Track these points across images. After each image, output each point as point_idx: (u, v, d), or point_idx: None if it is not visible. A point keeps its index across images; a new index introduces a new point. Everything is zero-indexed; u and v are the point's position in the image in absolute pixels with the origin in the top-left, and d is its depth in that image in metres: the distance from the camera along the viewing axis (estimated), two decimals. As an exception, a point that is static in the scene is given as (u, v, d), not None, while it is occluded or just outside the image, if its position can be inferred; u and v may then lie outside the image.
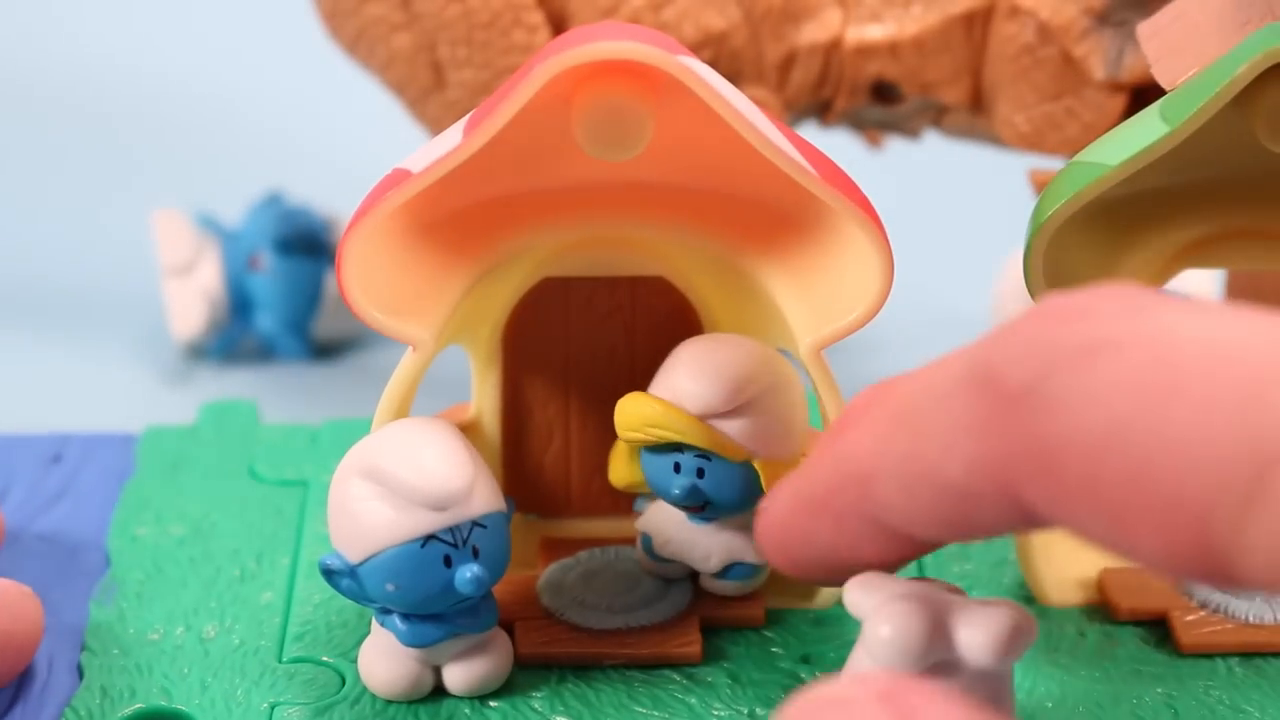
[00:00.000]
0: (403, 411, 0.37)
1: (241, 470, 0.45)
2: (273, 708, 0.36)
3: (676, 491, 0.37)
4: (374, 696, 0.37)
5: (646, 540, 0.39)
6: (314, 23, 0.51)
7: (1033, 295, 0.37)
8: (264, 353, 0.58)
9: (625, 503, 0.41)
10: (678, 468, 0.37)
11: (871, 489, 0.29)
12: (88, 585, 0.40)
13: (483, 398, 0.41)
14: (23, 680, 0.37)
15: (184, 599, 0.40)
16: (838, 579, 0.32)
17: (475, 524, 0.35)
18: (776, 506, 0.32)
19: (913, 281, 0.45)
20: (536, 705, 0.36)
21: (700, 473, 0.37)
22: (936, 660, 0.31)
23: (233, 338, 0.57)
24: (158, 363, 0.58)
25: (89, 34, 0.77)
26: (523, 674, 0.37)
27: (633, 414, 0.37)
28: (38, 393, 0.56)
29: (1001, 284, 0.57)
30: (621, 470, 0.39)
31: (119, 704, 0.37)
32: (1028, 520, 0.27)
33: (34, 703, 0.37)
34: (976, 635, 0.31)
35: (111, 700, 0.37)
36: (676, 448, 0.37)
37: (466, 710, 0.36)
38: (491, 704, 0.37)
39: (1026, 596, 0.40)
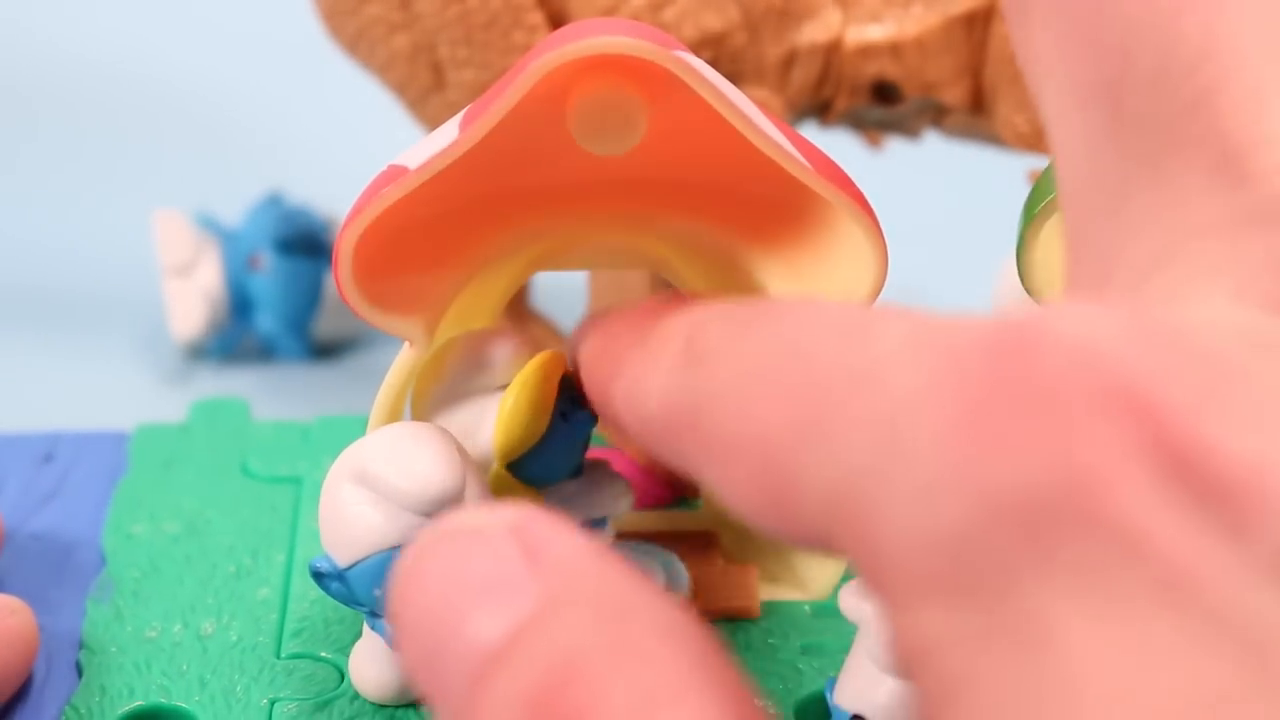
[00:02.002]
0: (399, 407, 0.37)
1: (234, 467, 0.45)
2: (272, 704, 0.37)
3: None
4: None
5: None
6: (314, 23, 0.51)
7: (1026, 287, 0.37)
8: (264, 353, 0.58)
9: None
10: None
11: (610, 388, 0.30)
12: (84, 584, 0.40)
13: (480, 395, 0.41)
14: (23, 683, 0.37)
15: (181, 596, 0.40)
16: None
17: None
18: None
19: (912, 281, 0.45)
20: (534, 702, 0.36)
21: None
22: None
23: (233, 338, 0.57)
24: (158, 363, 0.58)
25: (89, 34, 0.77)
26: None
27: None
28: (37, 394, 0.56)
29: (1002, 283, 0.57)
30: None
31: (118, 702, 0.37)
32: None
33: (34, 702, 0.37)
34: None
35: (111, 698, 0.37)
36: None
37: (464, 707, 0.36)
38: (489, 700, 0.37)
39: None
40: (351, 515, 0.35)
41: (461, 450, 0.36)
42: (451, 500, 0.34)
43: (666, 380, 0.27)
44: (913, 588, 0.21)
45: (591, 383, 0.32)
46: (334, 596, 0.35)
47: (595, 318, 0.33)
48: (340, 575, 0.35)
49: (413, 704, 0.36)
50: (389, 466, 0.35)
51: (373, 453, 0.35)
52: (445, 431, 0.36)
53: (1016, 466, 0.20)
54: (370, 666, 0.36)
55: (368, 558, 0.34)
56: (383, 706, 0.36)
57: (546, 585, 0.23)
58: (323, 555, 0.35)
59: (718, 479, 0.25)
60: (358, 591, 0.35)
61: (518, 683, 0.22)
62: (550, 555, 0.23)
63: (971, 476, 0.21)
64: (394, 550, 0.34)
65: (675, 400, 0.27)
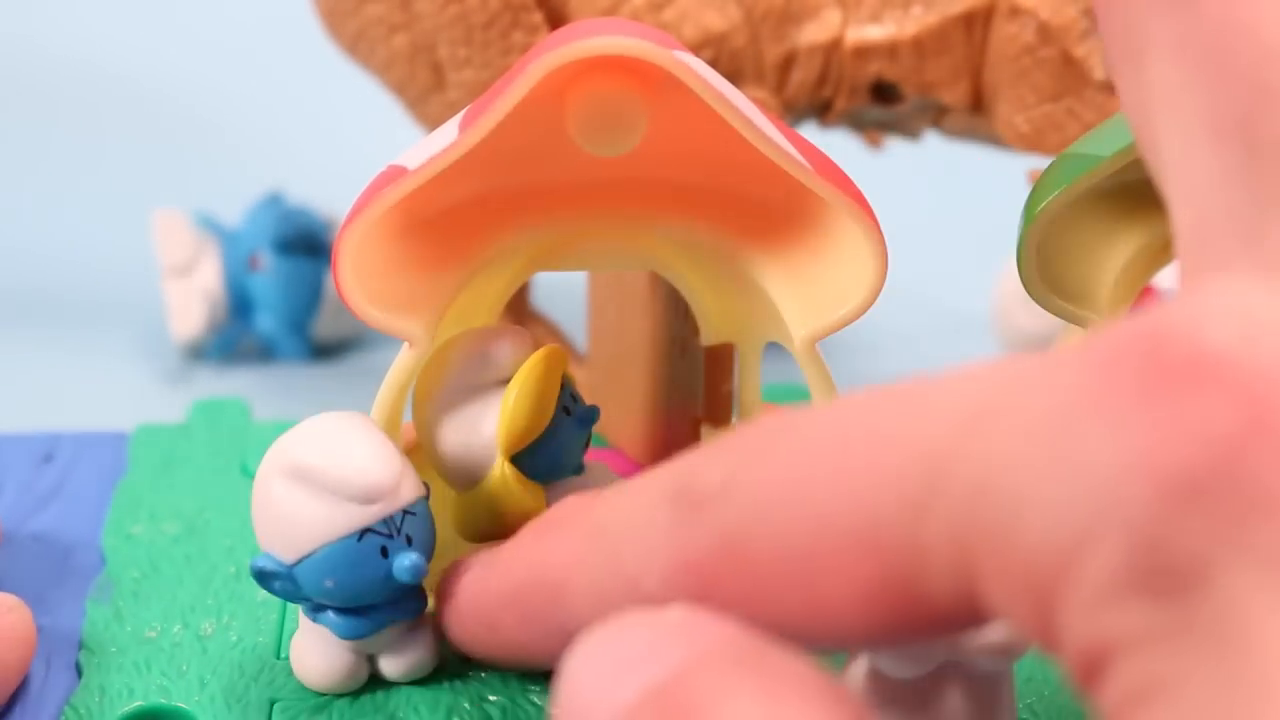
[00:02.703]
0: (399, 407, 0.37)
1: (234, 467, 0.45)
2: (272, 704, 0.36)
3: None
4: (374, 691, 0.37)
5: None
6: (314, 23, 0.51)
7: (1027, 287, 0.37)
8: (264, 353, 0.58)
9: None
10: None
11: (563, 598, 0.30)
12: (83, 584, 0.40)
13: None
14: (21, 681, 0.37)
15: (180, 596, 0.40)
16: (518, 663, 0.34)
17: (406, 512, 0.35)
18: (466, 592, 0.34)
19: (913, 281, 0.45)
20: (535, 699, 0.36)
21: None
22: (939, 662, 0.31)
23: (232, 338, 0.57)
24: (157, 363, 0.58)
25: (89, 34, 0.77)
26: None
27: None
28: (36, 394, 0.56)
29: (1002, 284, 0.57)
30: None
31: (118, 702, 0.37)
32: None
33: (33, 702, 0.37)
34: (979, 637, 0.31)
35: (110, 699, 0.37)
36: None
37: (466, 705, 0.36)
38: (490, 698, 0.37)
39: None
40: (291, 511, 0.35)
41: (387, 438, 0.36)
42: (392, 486, 0.35)
43: (669, 540, 0.26)
44: (1091, 587, 0.20)
45: (509, 623, 0.32)
46: (278, 594, 0.35)
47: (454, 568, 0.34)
48: (288, 572, 0.35)
49: (416, 699, 0.36)
50: (325, 459, 0.35)
51: (303, 447, 0.35)
52: (368, 418, 0.36)
53: (1186, 448, 0.20)
54: (313, 658, 0.36)
55: (315, 551, 0.34)
56: (382, 707, 0.36)
57: (687, 650, 0.23)
58: (264, 554, 0.35)
59: (799, 602, 0.24)
60: (306, 586, 0.35)
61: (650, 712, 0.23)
62: (690, 630, 0.24)
63: (1148, 462, 0.20)
64: (340, 541, 0.34)
65: (697, 549, 0.26)
